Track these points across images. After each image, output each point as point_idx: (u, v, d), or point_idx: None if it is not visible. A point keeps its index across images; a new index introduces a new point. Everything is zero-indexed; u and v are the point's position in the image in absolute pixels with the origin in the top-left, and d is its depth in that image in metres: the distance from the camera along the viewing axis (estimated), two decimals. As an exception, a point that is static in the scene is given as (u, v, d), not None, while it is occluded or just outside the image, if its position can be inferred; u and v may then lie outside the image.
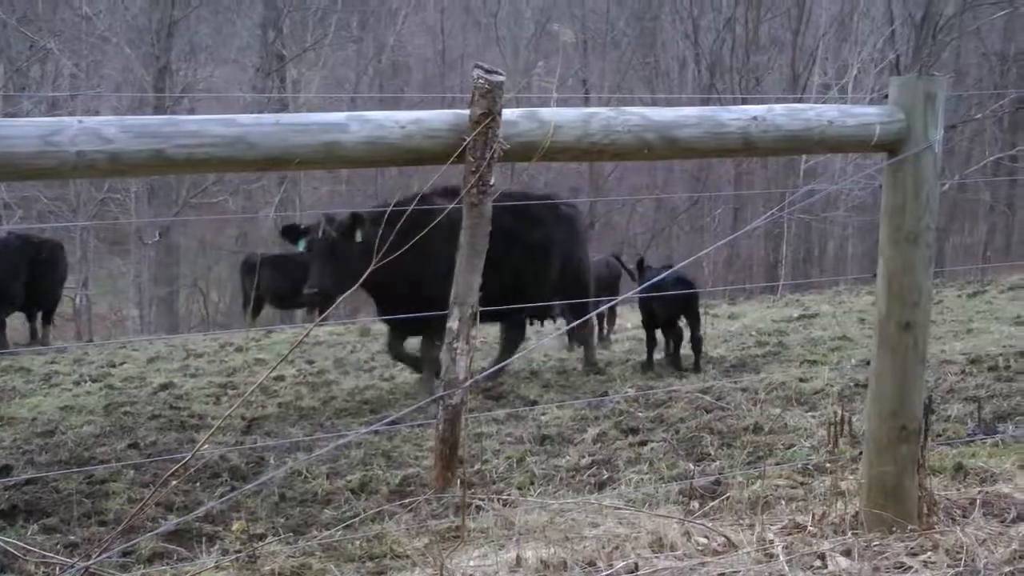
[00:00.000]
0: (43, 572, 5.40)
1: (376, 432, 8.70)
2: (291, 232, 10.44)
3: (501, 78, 4.28)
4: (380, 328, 15.21)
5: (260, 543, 5.87)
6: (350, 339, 15.77)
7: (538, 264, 11.23)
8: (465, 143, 4.22)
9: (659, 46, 42.69)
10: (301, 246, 10.29)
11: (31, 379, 12.80)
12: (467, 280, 4.37)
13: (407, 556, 5.14)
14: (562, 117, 4.47)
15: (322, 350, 14.39)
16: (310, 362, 13.23)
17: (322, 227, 10.17)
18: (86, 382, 12.33)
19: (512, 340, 11.74)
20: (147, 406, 10.44)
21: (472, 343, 4.38)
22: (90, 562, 3.74)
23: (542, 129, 4.39)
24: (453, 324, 4.36)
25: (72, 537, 6.36)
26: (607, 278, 14.11)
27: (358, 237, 10.05)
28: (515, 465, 7.19)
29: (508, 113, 4.34)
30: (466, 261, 4.38)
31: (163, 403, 10.61)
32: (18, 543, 4.18)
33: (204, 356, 14.48)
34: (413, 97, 39.88)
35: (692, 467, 6.74)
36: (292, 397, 10.63)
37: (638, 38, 42.15)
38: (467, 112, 4.27)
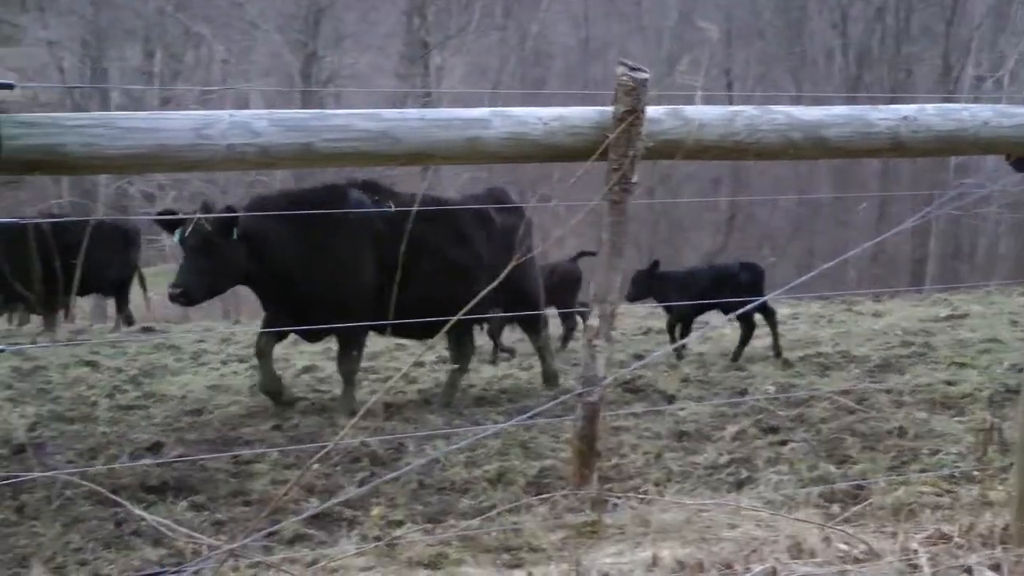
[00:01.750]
0: (191, 548, 5.53)
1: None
2: (167, 221, 9.40)
3: (645, 75, 4.28)
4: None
5: (398, 530, 5.96)
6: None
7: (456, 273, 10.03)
8: (608, 141, 4.23)
9: (806, 36, 42.11)
10: (176, 237, 9.24)
11: (181, 357, 13.09)
12: (608, 278, 4.39)
13: (542, 550, 5.15)
14: (706, 115, 4.46)
15: (463, 336, 14.43)
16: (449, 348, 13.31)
17: (194, 220, 9.08)
18: (233, 362, 12.58)
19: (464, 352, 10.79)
20: (290, 388, 10.62)
21: (611, 340, 4.40)
22: (235, 544, 3.83)
23: (686, 127, 4.39)
24: (593, 322, 4.37)
25: (219, 515, 6.52)
26: (561, 283, 13.36)
27: (234, 235, 9.04)
28: (652, 461, 7.18)
29: (652, 111, 4.34)
30: (607, 259, 4.39)
31: (306, 385, 10.79)
32: (171, 524, 4.28)
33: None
34: (555, 87, 39.90)
35: (833, 470, 6.66)
36: (431, 384, 10.72)
37: (784, 28, 41.63)
38: (610, 109, 4.28)
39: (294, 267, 9.28)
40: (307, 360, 12.41)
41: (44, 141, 3.58)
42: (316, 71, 35.35)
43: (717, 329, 13.43)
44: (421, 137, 4.02)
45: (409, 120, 4.03)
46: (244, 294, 32.75)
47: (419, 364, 11.88)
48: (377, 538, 5.80)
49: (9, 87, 3.75)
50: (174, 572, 4.72)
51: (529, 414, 4.94)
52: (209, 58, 41.90)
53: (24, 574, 5.60)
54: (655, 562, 4.57)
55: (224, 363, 12.56)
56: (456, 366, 10.25)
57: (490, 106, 4.22)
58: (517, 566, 5.07)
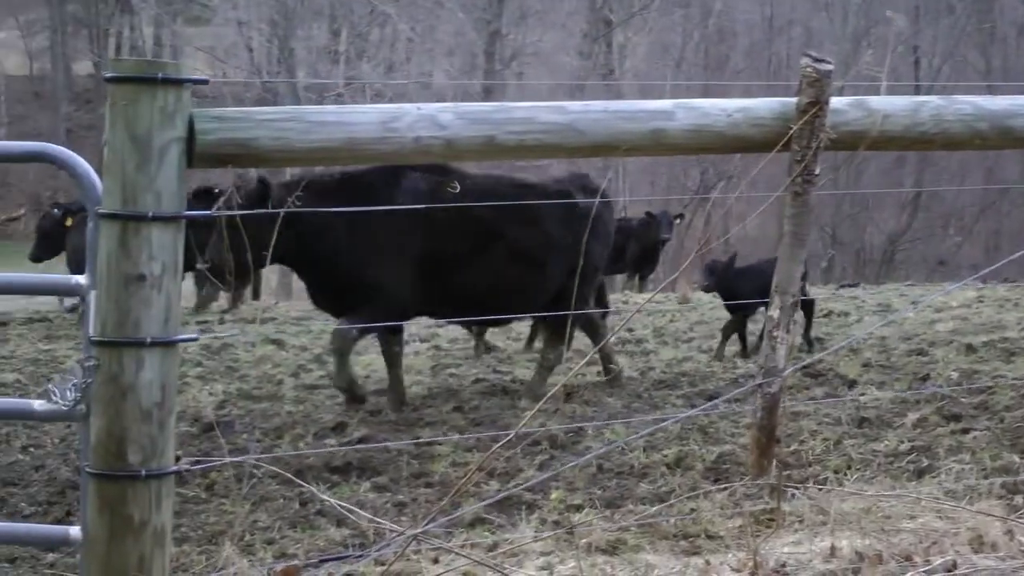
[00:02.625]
0: (374, 530, 5.64)
1: (693, 406, 8.73)
2: (205, 196, 9.45)
3: (829, 67, 4.23)
4: (701, 297, 15.16)
5: (577, 515, 6.00)
6: (669, 307, 15.77)
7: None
8: (791, 132, 4.19)
9: (996, 11, 40.85)
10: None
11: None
12: (788, 269, 4.35)
13: (720, 537, 5.14)
14: (891, 106, 4.40)
15: (640, 318, 14.41)
16: (629, 330, 13.29)
17: (229, 194, 8.90)
18: (415, 341, 12.71)
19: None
20: (471, 369, 10.75)
21: (792, 332, 4.36)
22: (418, 530, 3.91)
23: (870, 118, 4.33)
24: (774, 313, 4.35)
25: (400, 497, 6.65)
26: None
27: (268, 207, 8.56)
28: (832, 448, 7.10)
29: (836, 101, 4.29)
30: (788, 250, 4.35)
31: (487, 367, 10.92)
32: (351, 508, 4.38)
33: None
34: (738, 64, 39.47)
35: (1017, 460, 6.49)
36: (573, 371, 10.70)
37: (974, 2, 40.43)
38: (794, 100, 4.23)
39: (332, 248, 8.99)
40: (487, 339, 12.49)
41: (236, 135, 3.69)
42: (499, 49, 35.53)
43: (900, 313, 13.17)
44: (605, 129, 4.04)
45: (593, 112, 4.05)
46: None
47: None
48: (556, 523, 5.86)
49: (203, 83, 3.87)
50: (358, 556, 4.83)
51: (706, 405, 4.92)
52: (394, 37, 42.45)
53: (214, 551, 5.79)
54: (833, 553, 4.53)
55: (405, 342, 12.69)
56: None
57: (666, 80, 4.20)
58: (695, 553, 5.06)
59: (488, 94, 34.12)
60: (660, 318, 14.65)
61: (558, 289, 9.51)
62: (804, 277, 11.05)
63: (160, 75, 3.50)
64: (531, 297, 9.45)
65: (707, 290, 11.86)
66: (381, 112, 3.87)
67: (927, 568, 4.26)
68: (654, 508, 5.96)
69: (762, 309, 10.63)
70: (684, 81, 39.75)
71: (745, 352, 11.20)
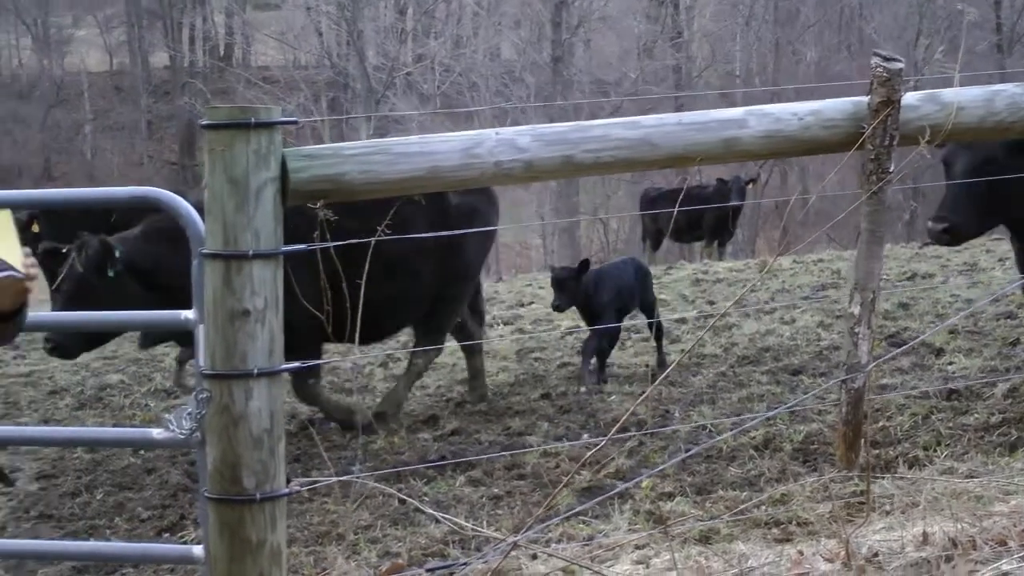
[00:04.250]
0: (472, 528, 5.79)
1: (778, 383, 8.81)
2: (52, 255, 8.11)
3: (900, 65, 4.31)
4: (781, 263, 15.15)
5: (669, 503, 6.14)
6: (749, 275, 15.74)
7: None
8: (865, 132, 4.28)
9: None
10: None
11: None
12: (868, 266, 4.44)
13: (811, 524, 5.25)
14: (964, 97, 4.47)
15: (722, 288, 14.41)
16: (711, 303, 13.32)
17: (71, 257, 7.80)
18: (498, 324, 12.84)
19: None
20: (555, 352, 10.85)
21: (873, 328, 4.46)
22: (518, 537, 4.07)
23: (943, 111, 4.40)
24: (855, 309, 4.44)
25: (495, 490, 6.82)
26: None
27: (109, 272, 7.62)
28: (920, 423, 7.14)
29: (908, 97, 4.38)
30: (866, 247, 4.45)
31: (571, 349, 10.98)
32: (458, 522, 4.55)
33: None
34: (808, 20, 39.04)
35: (1115, 429, 6.51)
36: (693, 342, 10.76)
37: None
38: (865, 100, 4.31)
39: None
40: (570, 320, 12.55)
41: (326, 172, 3.86)
42: (566, 17, 35.45)
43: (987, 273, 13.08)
44: (679, 141, 4.15)
45: (666, 125, 4.16)
46: (503, 251, 32.77)
47: (681, 321, 11.95)
48: (649, 512, 6.00)
49: (293, 123, 4.04)
50: (463, 563, 5.00)
51: (792, 403, 5.03)
52: (460, 11, 42.56)
53: (321, 552, 6.01)
54: (925, 539, 4.59)
55: (490, 325, 12.81)
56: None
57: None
58: (786, 541, 5.17)
59: (556, 63, 34.13)
60: (741, 287, 14.60)
61: (434, 295, 8.93)
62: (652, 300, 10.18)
63: (252, 119, 3.67)
64: (405, 308, 8.88)
65: (559, 309, 9.85)
66: (462, 140, 4.01)
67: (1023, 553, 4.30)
68: (744, 494, 6.08)
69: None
70: (753, 40, 39.53)
71: (603, 379, 9.54)
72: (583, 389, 9.22)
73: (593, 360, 9.67)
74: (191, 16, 49.96)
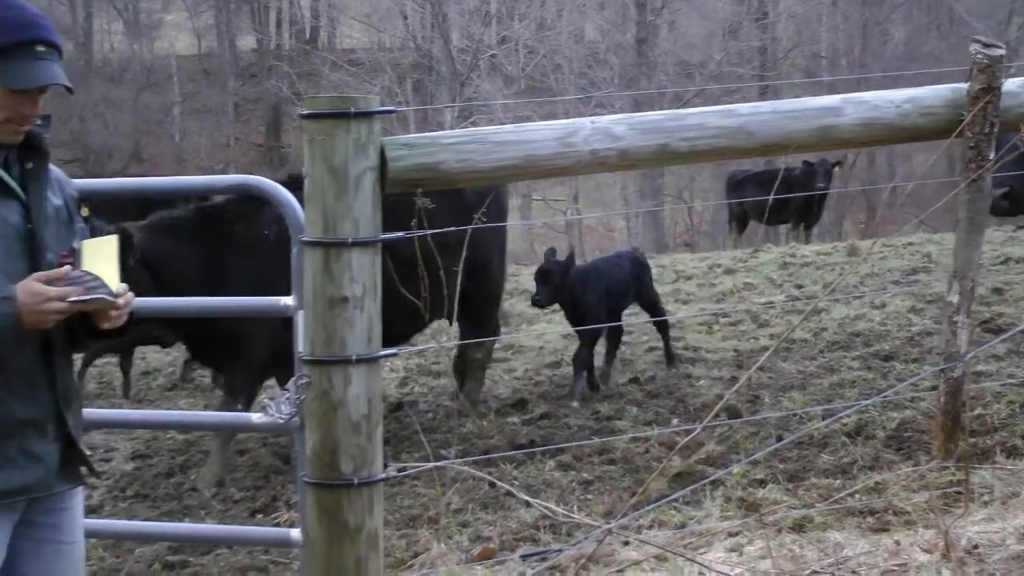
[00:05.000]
0: (563, 508, 5.81)
1: (869, 368, 8.74)
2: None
3: (1000, 51, 4.26)
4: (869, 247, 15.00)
5: (761, 490, 6.11)
6: (838, 259, 15.60)
7: None
8: (964, 120, 4.23)
9: None
10: None
11: (532, 301, 13.36)
12: (966, 254, 4.40)
13: (907, 513, 5.19)
14: (1066, 82, 4.40)
15: (810, 272, 14.29)
16: (799, 286, 13.22)
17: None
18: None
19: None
20: (643, 335, 10.82)
21: (973, 316, 4.41)
22: (612, 524, 4.08)
23: (1045, 97, 4.34)
24: (953, 298, 4.40)
25: (584, 475, 6.84)
26: None
27: (130, 260, 7.19)
28: (1018, 411, 7.02)
29: (1009, 83, 4.33)
30: (965, 235, 4.40)
31: (657, 334, 10.96)
32: (551, 508, 4.57)
33: (693, 279, 14.66)
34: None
35: None
36: (783, 327, 10.71)
37: None
38: (964, 87, 4.27)
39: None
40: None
41: (424, 160, 3.88)
42: (650, -1, 35.23)
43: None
44: (775, 129, 4.13)
45: (762, 114, 4.15)
46: (587, 233, 32.60)
47: (769, 304, 11.87)
48: (741, 499, 5.98)
49: (391, 112, 4.07)
50: (556, 550, 5.03)
51: (887, 391, 4.98)
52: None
53: (413, 535, 6.06)
54: (1027, 532, 4.55)
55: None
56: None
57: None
58: (882, 531, 5.13)
59: (641, 44, 33.96)
60: (829, 271, 14.49)
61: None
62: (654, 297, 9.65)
63: (352, 109, 3.70)
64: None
65: (540, 305, 9.08)
66: (556, 128, 4.02)
67: None
68: (837, 482, 6.04)
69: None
70: (840, 20, 39.08)
71: (594, 386, 8.98)
72: (575, 404, 8.51)
73: (584, 373, 8.88)
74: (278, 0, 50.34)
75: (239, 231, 7.69)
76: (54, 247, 3.48)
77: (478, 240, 8.46)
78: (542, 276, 8.79)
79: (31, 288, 3.25)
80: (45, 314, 3.26)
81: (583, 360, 8.91)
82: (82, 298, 3.29)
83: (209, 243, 7.64)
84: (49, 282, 3.27)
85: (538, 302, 8.89)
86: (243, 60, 48.71)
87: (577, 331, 9.09)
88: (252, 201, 7.05)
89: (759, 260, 15.63)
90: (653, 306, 9.79)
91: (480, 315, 8.99)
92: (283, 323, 7.02)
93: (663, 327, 9.68)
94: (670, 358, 9.55)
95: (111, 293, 3.32)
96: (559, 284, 8.73)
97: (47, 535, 3.58)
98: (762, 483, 6.25)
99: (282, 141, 45.99)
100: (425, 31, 37.44)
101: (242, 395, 7.81)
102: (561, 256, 8.98)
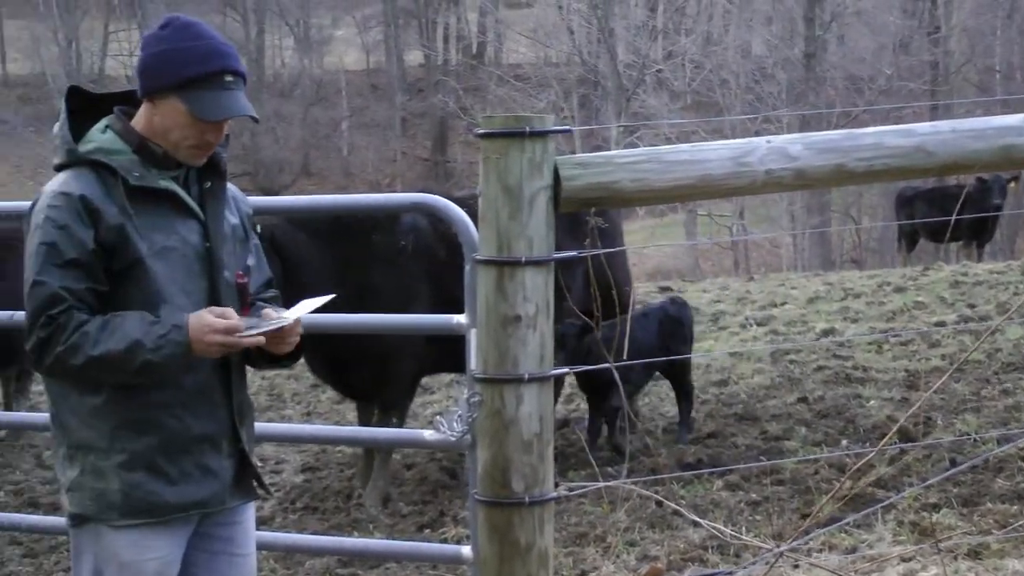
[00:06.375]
0: (731, 533, 5.77)
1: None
2: None
3: None
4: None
5: (934, 514, 6.00)
6: (1012, 278, 15.22)
7: None
8: None
9: None
10: None
11: (700, 319, 13.20)
12: None
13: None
14: None
15: (982, 291, 13.95)
16: (971, 306, 12.92)
17: None
18: (752, 325, 12.72)
19: None
20: (811, 354, 10.69)
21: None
22: (784, 548, 4.04)
23: None
24: None
25: (753, 495, 6.78)
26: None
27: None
28: None
29: None
30: None
31: (827, 351, 10.82)
32: (720, 528, 4.53)
33: (862, 296, 14.41)
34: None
35: None
36: (955, 348, 10.48)
37: None
38: None
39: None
40: (824, 322, 12.37)
41: (599, 180, 3.89)
42: (819, 13, 34.81)
43: None
44: (954, 149, 4.04)
45: (941, 133, 4.06)
46: (753, 250, 32.48)
47: (940, 324, 11.63)
48: (913, 523, 5.88)
49: (566, 131, 4.10)
50: (727, 572, 5.00)
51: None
52: (711, 8, 42.30)
53: (579, 553, 6.08)
54: None
55: (743, 326, 12.72)
56: None
57: None
58: (1064, 561, 5.00)
59: (809, 59, 33.56)
60: (1003, 291, 14.12)
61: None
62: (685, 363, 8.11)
63: (527, 128, 3.72)
64: None
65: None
66: (732, 148, 3.99)
67: None
68: (1014, 508, 5.90)
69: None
70: (1015, 34, 38.16)
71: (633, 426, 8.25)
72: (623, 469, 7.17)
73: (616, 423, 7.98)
74: (445, 15, 51.02)
75: (377, 241, 7.65)
76: (231, 265, 3.59)
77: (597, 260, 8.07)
78: (559, 340, 6.92)
79: (201, 320, 3.38)
80: (209, 346, 3.38)
81: (596, 429, 8.01)
82: (248, 334, 3.39)
83: (345, 250, 7.53)
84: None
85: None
86: (410, 75, 49.48)
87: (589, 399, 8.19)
88: None
89: (930, 278, 15.31)
90: (677, 375, 8.42)
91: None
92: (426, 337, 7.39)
93: (685, 396, 8.40)
94: (686, 426, 8.28)
95: (282, 322, 3.43)
96: (574, 348, 7.63)
97: (220, 547, 3.69)
98: (935, 507, 6.14)
99: (448, 155, 46.56)
100: (591, 46, 37.50)
101: (397, 410, 7.89)
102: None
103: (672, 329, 8.39)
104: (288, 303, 3.75)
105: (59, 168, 3.51)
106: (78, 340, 3.34)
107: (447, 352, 6.82)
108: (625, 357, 7.43)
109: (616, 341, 7.09)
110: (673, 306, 8.64)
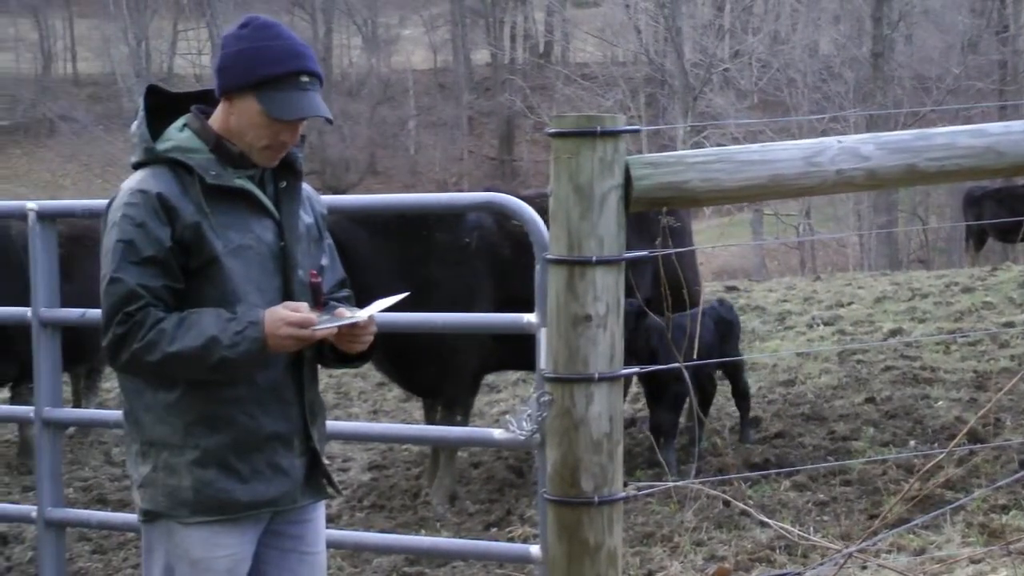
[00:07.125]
0: (798, 528, 5.76)
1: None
2: None
3: None
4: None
5: (1004, 516, 5.96)
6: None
7: None
8: None
9: None
10: None
11: (766, 319, 13.21)
12: None
13: None
14: None
15: (1047, 294, 13.82)
16: (1036, 309, 12.79)
17: None
18: (819, 325, 12.65)
19: None
20: (879, 354, 10.62)
21: None
22: (854, 548, 4.04)
23: None
24: None
25: (820, 496, 6.77)
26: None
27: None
28: None
29: None
30: None
31: (894, 352, 10.74)
32: (788, 529, 4.54)
33: (930, 296, 14.29)
34: None
35: None
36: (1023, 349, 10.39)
37: None
38: None
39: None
40: (892, 322, 12.29)
41: (669, 179, 3.90)
42: (886, 12, 34.52)
43: None
44: (1026, 149, 4.03)
45: (1014, 133, 4.04)
46: (820, 249, 32.26)
47: (1009, 324, 11.52)
48: (982, 525, 5.84)
49: (636, 131, 4.12)
50: (796, 573, 4.99)
51: None
52: (779, 7, 42.05)
53: (646, 552, 6.09)
54: None
55: (809, 326, 12.65)
56: None
57: None
58: None
59: (876, 58, 33.28)
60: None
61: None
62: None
63: (599, 128, 3.74)
64: None
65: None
66: (803, 148, 3.99)
67: None
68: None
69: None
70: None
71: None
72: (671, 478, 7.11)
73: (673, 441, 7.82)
74: (513, 14, 51.10)
75: (440, 238, 7.66)
76: (305, 264, 3.63)
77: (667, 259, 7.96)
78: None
79: (275, 313, 3.41)
80: (283, 339, 3.40)
81: (667, 425, 7.87)
82: (322, 327, 3.42)
83: (407, 247, 7.54)
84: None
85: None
86: (477, 74, 49.63)
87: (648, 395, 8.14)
88: None
89: (998, 278, 15.15)
90: (731, 375, 8.46)
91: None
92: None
93: (741, 396, 8.39)
94: (744, 437, 8.23)
95: (356, 319, 3.46)
96: (632, 328, 6.70)
97: (291, 545, 3.72)
98: (1005, 509, 6.11)
99: (514, 154, 46.62)
100: (658, 45, 37.44)
101: (460, 406, 7.93)
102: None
103: (725, 330, 8.34)
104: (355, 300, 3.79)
105: (137, 166, 3.55)
106: (155, 337, 3.38)
107: (511, 350, 6.96)
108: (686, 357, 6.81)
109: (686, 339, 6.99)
110: (723, 307, 8.62)
